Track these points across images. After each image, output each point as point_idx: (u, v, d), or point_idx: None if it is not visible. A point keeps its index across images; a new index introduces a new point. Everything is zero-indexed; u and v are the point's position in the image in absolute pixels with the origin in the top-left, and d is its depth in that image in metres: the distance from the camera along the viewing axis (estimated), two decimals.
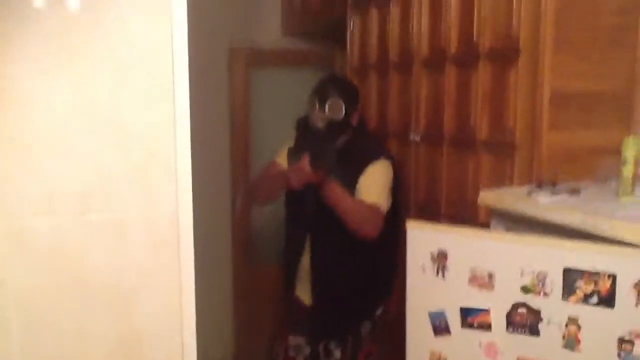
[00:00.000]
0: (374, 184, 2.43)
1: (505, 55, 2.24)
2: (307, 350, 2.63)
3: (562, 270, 1.59)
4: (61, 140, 1.11)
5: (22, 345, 1.13)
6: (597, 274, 1.54)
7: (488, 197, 2.00)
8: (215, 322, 3.82)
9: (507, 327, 1.69)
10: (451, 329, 1.79)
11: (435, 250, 1.79)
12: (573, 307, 1.58)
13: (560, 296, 1.59)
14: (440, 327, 1.81)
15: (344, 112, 2.41)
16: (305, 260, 2.58)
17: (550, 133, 2.15)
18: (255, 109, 3.93)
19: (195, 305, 1.24)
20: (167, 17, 1.15)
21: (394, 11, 2.88)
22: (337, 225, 2.36)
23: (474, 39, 2.38)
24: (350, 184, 2.40)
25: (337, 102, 2.40)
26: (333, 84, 2.52)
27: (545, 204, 1.79)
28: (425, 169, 2.71)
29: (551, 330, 1.62)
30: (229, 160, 3.89)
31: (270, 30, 3.86)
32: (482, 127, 2.37)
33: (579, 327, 1.58)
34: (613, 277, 1.52)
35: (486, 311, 1.71)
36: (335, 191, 2.32)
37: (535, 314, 1.64)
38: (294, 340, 2.66)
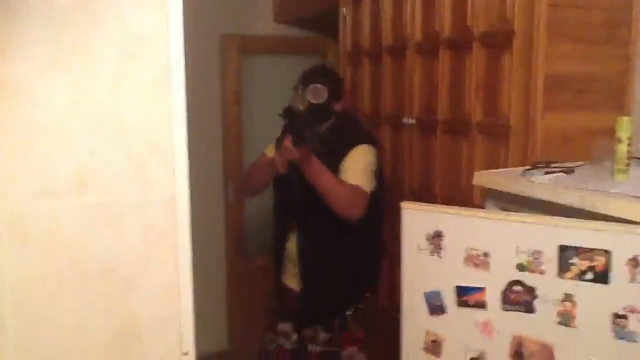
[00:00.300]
0: (357, 167, 2.45)
1: (499, 39, 2.25)
2: (294, 337, 2.65)
3: (557, 247, 1.59)
4: (58, 127, 1.10)
5: (17, 335, 1.13)
6: (592, 250, 1.55)
7: (482, 177, 2.01)
8: (209, 314, 3.81)
9: (502, 305, 1.70)
10: (447, 308, 1.79)
11: (430, 231, 1.80)
12: (568, 284, 1.59)
13: (556, 273, 1.60)
14: (435, 307, 1.81)
15: (325, 97, 2.44)
16: (292, 247, 2.59)
17: (545, 116, 2.16)
18: (247, 95, 3.92)
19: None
20: (162, 6, 1.15)
21: None
22: (323, 210, 2.37)
23: (468, 23, 2.39)
24: (334, 169, 2.40)
25: (318, 88, 2.44)
26: (316, 72, 2.57)
27: (540, 183, 1.79)
28: (419, 154, 2.72)
29: (546, 307, 1.62)
30: (221, 148, 3.88)
31: (262, 17, 3.84)
32: (476, 111, 2.38)
33: (574, 304, 1.59)
34: (608, 254, 1.53)
35: (482, 290, 1.72)
36: (317, 168, 2.31)
37: (531, 292, 1.65)
38: (283, 327, 2.68)
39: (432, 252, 1.80)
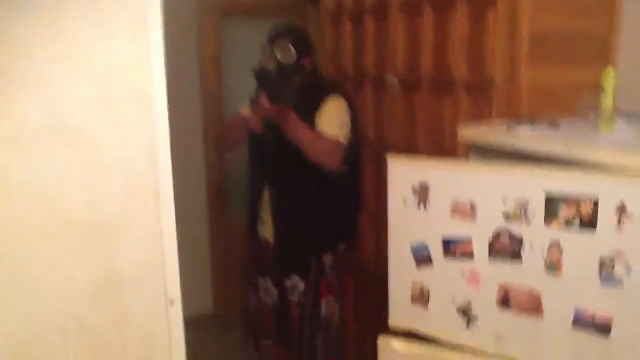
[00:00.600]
0: (331, 119, 2.52)
1: None
2: (274, 291, 2.71)
3: (544, 196, 1.60)
4: (33, 70, 1.06)
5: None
6: (579, 198, 1.55)
7: (467, 132, 2.00)
8: (192, 277, 3.79)
9: (489, 254, 1.70)
10: (433, 260, 1.80)
11: (416, 183, 1.79)
12: (555, 232, 1.60)
13: (542, 222, 1.61)
14: (422, 259, 1.82)
15: (293, 55, 2.49)
16: (266, 200, 2.65)
17: (529, 70, 2.15)
18: (227, 59, 3.86)
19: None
20: None
21: None
22: (297, 163, 2.45)
23: None
24: (308, 122, 2.48)
25: (285, 45, 2.48)
26: (282, 30, 2.60)
27: (526, 136, 1.79)
28: (402, 112, 2.70)
29: (533, 256, 1.63)
30: (201, 112, 3.83)
31: None
32: (460, 68, 2.36)
33: (560, 251, 1.60)
34: (595, 201, 1.53)
35: (468, 240, 1.73)
36: (295, 123, 2.39)
37: (517, 241, 1.65)
38: (263, 283, 2.72)
39: (418, 205, 1.79)
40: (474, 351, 1.75)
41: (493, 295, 1.71)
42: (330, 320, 2.73)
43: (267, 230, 2.70)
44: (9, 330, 1.10)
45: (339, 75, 3.07)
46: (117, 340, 1.19)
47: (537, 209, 1.61)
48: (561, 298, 1.62)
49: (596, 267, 1.56)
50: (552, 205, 1.59)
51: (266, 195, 2.65)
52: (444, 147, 2.47)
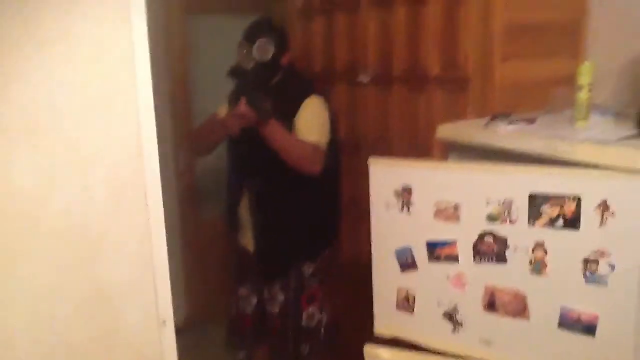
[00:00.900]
0: (310, 121, 2.44)
1: None
2: (254, 300, 2.64)
3: (527, 196, 1.59)
4: (8, 71, 1.00)
5: None
6: (562, 197, 1.55)
7: (446, 130, 1.98)
8: None
9: (474, 257, 1.69)
10: (418, 264, 1.78)
11: (399, 186, 1.77)
12: (539, 232, 1.59)
13: (527, 222, 1.60)
14: (406, 263, 1.80)
15: (272, 52, 2.40)
16: (245, 206, 2.57)
17: (503, 65, 2.15)
18: (194, 57, 3.78)
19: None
20: None
21: None
22: (277, 168, 2.37)
23: None
24: (286, 123, 2.40)
25: (265, 43, 2.39)
26: (260, 27, 2.50)
27: (504, 133, 1.78)
28: (375, 109, 2.68)
29: (518, 257, 1.63)
30: (169, 111, 3.74)
31: None
32: (433, 64, 2.35)
33: (545, 251, 1.59)
34: (578, 200, 1.53)
35: (453, 243, 1.71)
36: (275, 129, 2.32)
37: (502, 242, 1.64)
38: (243, 291, 2.66)
39: (401, 208, 1.77)
40: (461, 357, 1.74)
41: (479, 297, 1.70)
42: (314, 330, 2.66)
43: (246, 238, 2.62)
44: None
45: (309, 72, 3.02)
46: None
47: (521, 209, 1.60)
48: (546, 298, 1.62)
49: (580, 266, 1.56)
50: (535, 204, 1.58)
51: (245, 202, 2.57)
52: (418, 143, 2.45)
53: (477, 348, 1.70)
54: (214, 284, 2.98)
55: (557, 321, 1.60)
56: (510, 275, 1.65)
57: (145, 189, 1.11)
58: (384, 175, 1.80)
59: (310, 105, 2.46)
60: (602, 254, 1.53)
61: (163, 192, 1.11)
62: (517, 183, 1.60)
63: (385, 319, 1.87)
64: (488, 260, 1.67)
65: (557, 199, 1.55)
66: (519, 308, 1.65)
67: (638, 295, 1.49)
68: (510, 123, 1.92)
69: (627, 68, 2.21)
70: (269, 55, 2.40)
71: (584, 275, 1.56)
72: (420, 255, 1.77)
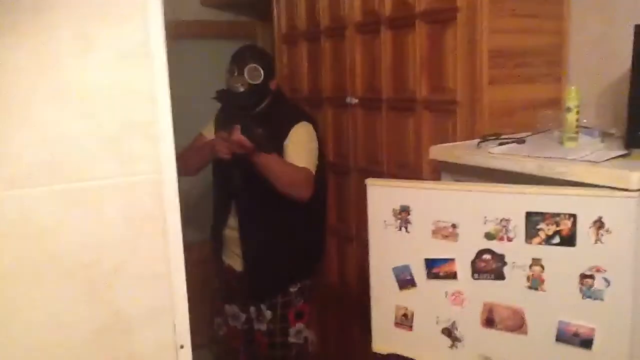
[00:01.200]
0: (300, 147, 2.49)
1: (442, 15, 2.27)
2: (242, 317, 2.67)
3: (524, 214, 1.64)
4: (24, 107, 1.00)
5: None
6: (558, 215, 1.60)
7: (438, 151, 2.03)
8: None
9: (472, 274, 1.73)
10: (417, 282, 1.81)
11: (397, 206, 1.80)
12: (536, 249, 1.64)
13: (524, 239, 1.65)
14: (405, 281, 1.83)
15: (262, 77, 2.49)
16: (233, 227, 2.60)
17: (490, 89, 2.21)
18: (174, 81, 3.78)
19: None
20: None
21: None
22: (264, 190, 2.40)
23: (409, 0, 2.40)
24: (276, 147, 2.45)
25: (255, 68, 2.48)
26: (250, 52, 2.59)
27: (497, 154, 1.84)
28: (364, 133, 2.72)
29: (516, 273, 1.67)
30: None
31: (189, 0, 3.72)
32: (421, 88, 2.40)
33: (542, 268, 1.64)
34: (573, 217, 1.58)
35: (451, 261, 1.75)
36: (267, 158, 2.36)
37: (500, 259, 1.69)
38: (230, 309, 2.68)
39: (399, 227, 1.81)
40: None
41: (477, 313, 1.74)
42: (301, 347, 2.69)
43: (232, 258, 2.65)
44: None
45: (295, 96, 3.07)
46: None
47: (518, 227, 1.65)
48: (544, 313, 1.66)
49: (577, 281, 1.61)
50: (532, 222, 1.63)
51: (232, 222, 2.60)
52: (407, 166, 2.50)
53: None
54: (199, 307, 2.94)
55: (554, 335, 1.64)
56: (508, 292, 1.69)
57: (165, 218, 1.11)
58: (382, 196, 1.83)
59: (300, 131, 2.52)
60: (598, 269, 1.58)
61: None
62: (514, 202, 1.65)
63: (383, 335, 1.89)
64: (486, 277, 1.71)
65: (553, 217, 1.61)
66: (517, 323, 1.69)
67: (632, 309, 1.55)
68: (501, 144, 1.98)
69: (607, 91, 2.30)
70: (259, 80, 2.48)
71: (581, 291, 1.61)
72: (419, 273, 1.80)
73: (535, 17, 2.33)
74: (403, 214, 1.79)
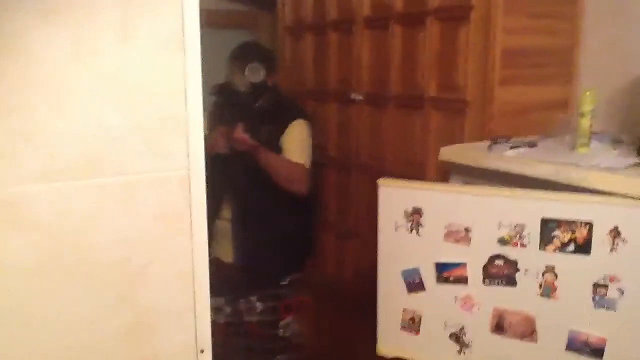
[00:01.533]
0: (297, 143, 2.57)
1: (456, 12, 2.23)
2: (227, 309, 2.66)
3: (539, 220, 1.61)
4: (60, 101, 0.96)
5: (15, 331, 0.98)
6: (574, 222, 1.57)
7: (449, 152, 2.00)
8: None
9: (483, 279, 1.70)
10: (426, 285, 1.78)
11: (409, 208, 1.77)
12: (550, 256, 1.61)
13: (538, 246, 1.62)
14: (414, 284, 1.80)
15: (264, 75, 2.53)
16: (225, 219, 2.60)
17: (501, 89, 2.18)
18: None
19: None
20: None
21: None
22: (258, 183, 2.47)
23: None
24: (274, 142, 2.53)
25: (257, 67, 2.52)
26: (251, 50, 2.63)
27: (511, 157, 1.81)
28: (368, 129, 2.68)
29: (528, 280, 1.65)
30: None
31: None
32: (430, 85, 2.37)
33: (555, 275, 1.62)
34: (589, 225, 1.56)
35: (463, 265, 1.72)
36: (268, 155, 2.46)
37: (512, 265, 1.66)
38: (214, 302, 2.65)
39: (410, 229, 1.77)
40: None
41: (487, 320, 1.71)
42: (289, 340, 2.70)
43: (222, 249, 2.63)
44: None
45: (299, 90, 3.02)
46: None
47: (533, 233, 1.63)
48: (555, 321, 1.64)
49: (590, 290, 1.59)
50: (547, 229, 1.61)
51: (224, 214, 2.59)
52: (413, 165, 2.46)
53: None
54: None
55: (565, 344, 1.63)
56: (519, 298, 1.66)
57: (191, 216, 1.08)
58: (394, 197, 1.80)
59: (297, 128, 2.58)
60: (612, 279, 1.56)
61: None
62: (529, 207, 1.62)
63: (389, 339, 1.87)
64: (497, 283, 1.69)
65: (569, 224, 1.58)
66: (527, 330, 1.66)
67: None
68: (513, 147, 1.95)
69: (618, 96, 2.27)
70: (261, 79, 2.52)
71: (593, 300, 1.59)
72: (429, 276, 1.77)
73: (548, 18, 2.30)
74: (415, 216, 1.76)
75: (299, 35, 3.05)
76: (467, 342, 1.75)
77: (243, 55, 2.55)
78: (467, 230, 1.70)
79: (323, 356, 2.98)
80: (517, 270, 1.66)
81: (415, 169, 2.44)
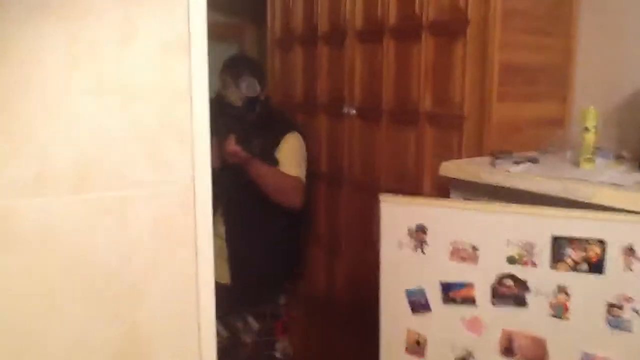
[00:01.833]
0: (292, 158, 2.55)
1: (451, 27, 2.19)
2: (223, 334, 2.57)
3: (550, 238, 1.56)
4: (55, 105, 0.87)
5: (4, 351, 0.89)
6: (586, 240, 1.53)
7: (450, 167, 1.95)
8: None
9: (492, 300, 1.64)
10: (431, 306, 1.71)
11: (412, 225, 1.71)
12: (562, 276, 1.56)
13: (549, 265, 1.57)
14: (418, 305, 1.73)
15: (258, 89, 2.52)
16: (219, 235, 2.53)
17: (499, 105, 2.14)
18: None
19: None
20: None
21: None
22: (253, 198, 2.44)
23: (416, 11, 2.32)
24: (268, 156, 2.50)
25: (251, 81, 2.51)
26: (245, 63, 2.63)
27: (517, 173, 1.76)
28: (361, 144, 2.63)
29: (539, 300, 1.59)
30: None
31: None
32: (425, 100, 2.32)
33: (567, 295, 1.56)
34: (602, 243, 1.51)
35: (470, 285, 1.66)
36: (261, 169, 2.42)
37: (522, 285, 1.60)
38: None
39: (414, 248, 1.71)
40: None
41: (496, 342, 1.65)
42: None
43: (216, 269, 2.54)
44: None
45: (288, 102, 2.96)
46: None
47: (544, 252, 1.57)
48: (567, 344, 1.58)
49: (604, 310, 1.54)
50: (559, 247, 1.56)
51: (218, 231, 2.51)
52: (407, 180, 2.41)
53: None
54: None
55: None
56: (530, 320, 1.61)
57: (195, 228, 1.00)
58: (396, 213, 1.73)
59: (291, 141, 2.58)
60: (627, 299, 1.51)
61: None
62: (540, 225, 1.57)
63: None
64: (507, 304, 1.63)
65: (581, 243, 1.53)
66: (538, 353, 1.60)
67: None
68: (515, 162, 1.91)
69: (613, 113, 2.25)
70: (256, 93, 2.51)
71: (607, 321, 1.53)
72: (434, 296, 1.70)
73: (545, 35, 2.27)
74: (419, 234, 1.70)
75: (289, 47, 3.00)
76: None
77: (235, 69, 2.54)
78: (474, 248, 1.64)
79: None
80: (527, 290, 1.60)
81: (409, 185, 2.38)
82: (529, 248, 1.58)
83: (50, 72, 0.86)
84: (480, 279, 1.64)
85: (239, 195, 2.48)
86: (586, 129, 1.85)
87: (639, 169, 1.82)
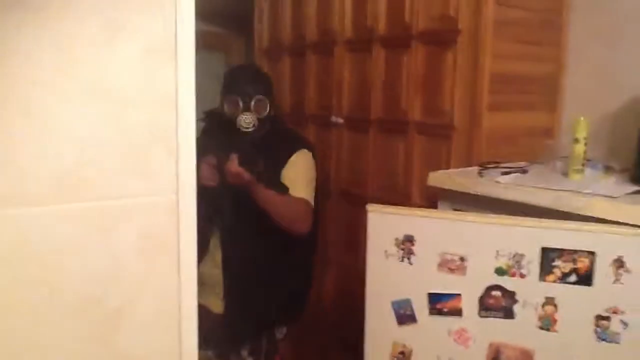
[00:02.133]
0: (300, 178, 2.27)
1: (442, 37, 2.18)
2: None
3: (539, 250, 1.54)
4: (33, 109, 0.84)
5: None
6: (575, 252, 1.51)
7: (438, 178, 1.93)
8: None
9: (479, 311, 1.62)
10: (417, 317, 1.68)
11: (400, 235, 1.68)
12: (550, 287, 1.54)
13: (537, 276, 1.55)
14: (404, 316, 1.70)
15: (268, 108, 2.23)
16: (212, 265, 2.31)
17: (489, 115, 2.13)
18: None
19: None
20: None
21: None
22: (252, 223, 2.18)
23: (406, 20, 2.30)
24: (273, 176, 2.22)
25: (262, 101, 2.21)
26: (252, 79, 2.28)
27: (506, 183, 1.74)
28: (349, 154, 2.61)
29: (527, 312, 1.57)
30: None
31: None
32: (414, 110, 2.30)
33: (555, 307, 1.54)
34: (592, 255, 1.49)
35: (457, 296, 1.63)
36: (266, 192, 2.14)
37: (510, 296, 1.58)
38: (204, 356, 2.38)
39: (401, 258, 1.68)
40: None
41: (483, 355, 1.62)
42: None
43: (209, 297, 2.31)
44: None
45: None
46: None
47: (532, 263, 1.55)
48: (555, 356, 1.56)
49: (592, 322, 1.52)
50: (548, 258, 1.53)
51: (211, 259, 2.32)
52: (396, 190, 2.39)
53: None
54: None
55: None
56: (517, 331, 1.58)
57: (180, 245, 0.96)
58: (384, 223, 1.71)
59: (299, 159, 2.29)
60: (615, 311, 1.49)
61: None
62: (529, 236, 1.55)
63: None
64: (494, 315, 1.60)
65: (571, 254, 1.51)
66: None
67: None
68: (504, 173, 1.89)
69: (603, 123, 2.25)
70: (266, 112, 2.23)
71: (595, 333, 1.51)
72: (421, 308, 1.67)
73: (535, 44, 2.27)
74: (406, 244, 1.67)
75: (277, 57, 2.98)
76: None
77: (244, 86, 2.22)
78: (462, 259, 1.61)
79: None
80: (515, 301, 1.57)
81: (398, 195, 2.36)
82: (517, 259, 1.56)
83: (27, 78, 0.83)
84: (468, 290, 1.62)
85: (238, 219, 2.23)
86: (576, 140, 1.83)
87: (629, 180, 1.80)
